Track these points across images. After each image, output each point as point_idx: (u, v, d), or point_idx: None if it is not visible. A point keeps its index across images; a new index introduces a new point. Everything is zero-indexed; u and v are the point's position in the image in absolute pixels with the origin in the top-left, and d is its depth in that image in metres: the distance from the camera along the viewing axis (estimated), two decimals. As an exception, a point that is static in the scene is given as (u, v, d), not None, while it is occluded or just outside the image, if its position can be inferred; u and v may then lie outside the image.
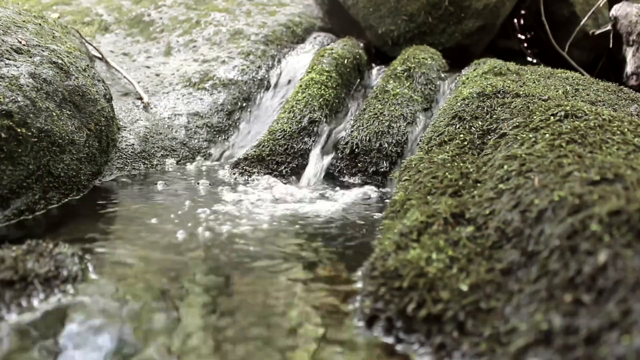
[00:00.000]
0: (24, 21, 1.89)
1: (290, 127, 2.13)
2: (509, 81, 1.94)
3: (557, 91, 1.86)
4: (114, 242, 1.34)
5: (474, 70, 2.26)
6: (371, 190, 1.87)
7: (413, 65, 2.41)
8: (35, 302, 0.98)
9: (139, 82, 2.48)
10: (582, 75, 2.24)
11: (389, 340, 0.92)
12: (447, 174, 1.34)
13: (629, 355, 0.67)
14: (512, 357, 0.78)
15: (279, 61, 2.73)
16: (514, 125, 1.43)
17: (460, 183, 1.29)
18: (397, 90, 2.24)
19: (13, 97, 1.50)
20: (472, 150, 1.49)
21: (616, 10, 2.77)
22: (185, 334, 0.93)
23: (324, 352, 0.90)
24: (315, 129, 2.16)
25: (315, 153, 2.09)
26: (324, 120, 2.21)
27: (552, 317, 0.78)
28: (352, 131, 2.09)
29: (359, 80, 2.61)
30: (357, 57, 2.62)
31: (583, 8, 3.24)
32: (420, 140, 1.82)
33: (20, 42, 1.73)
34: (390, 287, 0.98)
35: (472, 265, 0.98)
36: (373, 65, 2.81)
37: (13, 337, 0.89)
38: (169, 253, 1.27)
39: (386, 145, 2.02)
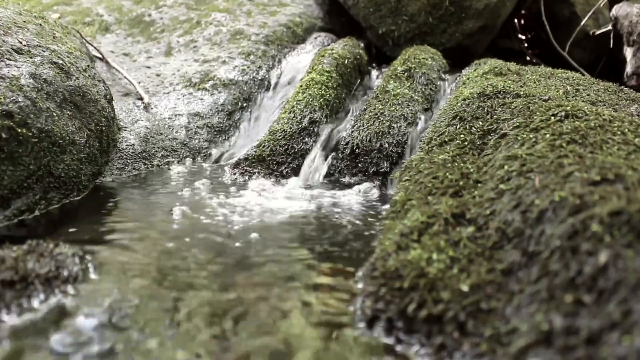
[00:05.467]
0: (24, 21, 1.89)
1: (290, 128, 2.13)
2: (509, 81, 1.94)
3: (557, 91, 1.86)
4: (114, 242, 1.34)
5: (475, 70, 2.26)
6: (371, 191, 1.87)
7: (414, 65, 2.41)
8: (36, 303, 0.98)
9: (139, 83, 2.48)
10: (583, 75, 2.24)
11: (390, 340, 0.92)
12: (447, 174, 1.34)
13: (629, 355, 0.67)
14: (512, 357, 0.78)
15: (280, 61, 2.74)
16: (515, 125, 1.43)
17: (461, 183, 1.28)
18: (398, 91, 2.24)
19: (14, 98, 1.50)
20: (473, 151, 1.49)
21: (616, 10, 2.77)
22: (186, 333, 0.93)
23: (325, 352, 0.90)
24: (315, 129, 2.16)
25: (315, 153, 2.09)
26: (325, 120, 2.21)
27: (553, 318, 0.78)
28: (352, 131, 2.09)
29: (359, 80, 2.61)
30: (358, 57, 2.62)
31: (583, 8, 3.24)
32: (421, 141, 1.82)
33: (21, 43, 1.73)
34: (391, 288, 0.98)
35: (472, 265, 0.98)
36: (374, 65, 2.81)
37: (13, 338, 0.89)
38: (169, 253, 1.27)
39: (387, 145, 2.02)
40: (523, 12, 3.39)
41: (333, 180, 2.01)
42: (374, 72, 2.72)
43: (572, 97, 1.84)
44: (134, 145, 2.06)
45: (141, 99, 2.35)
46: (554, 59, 3.18)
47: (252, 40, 2.79)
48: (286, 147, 2.07)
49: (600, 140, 1.20)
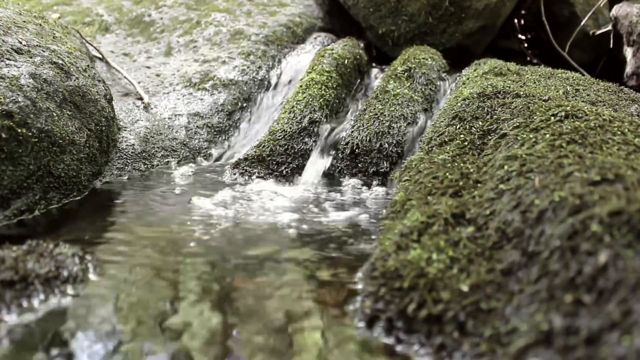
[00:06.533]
0: (24, 21, 1.89)
1: (290, 128, 2.13)
2: (509, 81, 1.94)
3: (557, 91, 1.86)
4: (114, 243, 1.34)
5: (475, 70, 2.26)
6: (371, 191, 1.87)
7: (413, 65, 2.41)
8: (36, 303, 0.98)
9: (139, 83, 2.48)
10: (583, 75, 2.24)
11: (390, 340, 0.92)
12: (447, 174, 1.34)
13: (629, 355, 0.67)
14: (512, 357, 0.78)
15: (280, 61, 2.73)
16: (515, 125, 1.43)
17: (461, 183, 1.28)
18: (398, 91, 2.24)
19: (13, 98, 1.50)
20: (473, 151, 1.49)
21: (616, 10, 2.76)
22: (186, 333, 0.93)
23: (325, 352, 0.90)
24: (315, 129, 2.16)
25: (315, 153, 2.09)
26: (325, 120, 2.21)
27: (553, 318, 0.78)
28: (352, 131, 2.09)
29: (359, 80, 2.61)
30: (358, 57, 2.62)
31: (583, 8, 3.24)
32: (421, 141, 1.82)
33: (21, 43, 1.73)
34: (391, 288, 0.98)
35: (472, 265, 0.98)
36: (373, 65, 2.81)
37: (13, 338, 0.89)
38: (169, 253, 1.27)
39: (386, 145, 2.02)
40: (523, 12, 3.38)
41: (333, 180, 2.01)
42: (374, 72, 2.72)
43: (572, 97, 1.84)
44: (133, 145, 2.06)
45: (141, 99, 2.35)
46: (554, 59, 3.17)
47: (252, 41, 2.79)
48: (286, 147, 2.07)
49: (600, 140, 1.20)
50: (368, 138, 2.04)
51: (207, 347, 0.90)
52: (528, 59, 3.35)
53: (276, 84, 2.60)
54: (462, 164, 1.40)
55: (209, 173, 2.06)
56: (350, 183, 1.97)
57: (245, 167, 2.00)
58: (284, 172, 2.02)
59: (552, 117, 1.37)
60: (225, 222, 1.49)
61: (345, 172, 2.03)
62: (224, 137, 2.36)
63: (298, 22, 3.03)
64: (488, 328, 0.85)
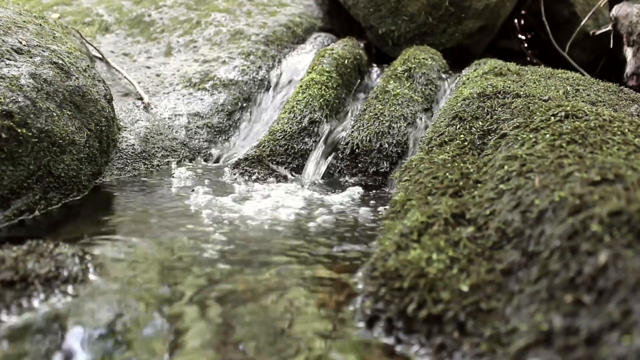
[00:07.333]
0: (24, 21, 1.89)
1: (290, 128, 2.13)
2: (509, 81, 1.94)
3: (557, 91, 1.86)
4: (114, 243, 1.34)
5: (475, 70, 2.26)
6: (371, 191, 1.87)
7: (413, 65, 2.41)
8: (36, 303, 0.98)
9: (139, 83, 2.48)
10: (583, 75, 2.24)
11: (390, 340, 0.92)
12: (447, 174, 1.34)
13: (629, 355, 0.67)
14: (512, 357, 0.78)
15: (280, 61, 2.73)
16: (515, 125, 1.43)
17: (461, 183, 1.28)
18: (398, 91, 2.24)
19: (13, 98, 1.50)
20: (473, 151, 1.49)
21: (616, 10, 2.76)
22: (186, 334, 0.93)
23: (324, 352, 0.90)
24: (315, 129, 2.16)
25: (315, 153, 2.09)
26: (325, 120, 2.21)
27: (553, 318, 0.78)
28: (352, 131, 2.09)
29: (359, 80, 2.61)
30: (358, 57, 2.62)
31: (583, 8, 3.24)
32: (421, 141, 1.82)
33: (21, 43, 1.73)
34: (391, 288, 0.98)
35: (472, 265, 0.98)
36: (373, 65, 2.81)
37: (13, 338, 0.89)
38: (169, 253, 1.27)
39: (386, 145, 2.02)
40: (523, 12, 3.39)
41: (333, 180, 2.01)
42: (374, 72, 2.72)
43: (572, 97, 1.84)
44: (133, 145, 2.06)
45: (141, 99, 2.35)
46: (554, 59, 3.18)
47: (252, 41, 2.79)
48: (286, 147, 2.07)
49: (600, 140, 1.20)
50: (368, 138, 2.04)
51: (207, 346, 0.90)
52: (528, 59, 3.35)
53: (276, 84, 2.61)
54: (462, 164, 1.40)
55: (208, 173, 2.06)
56: (350, 183, 1.97)
57: (245, 167, 2.00)
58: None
59: (552, 117, 1.37)
60: (224, 222, 1.49)
61: (345, 172, 2.03)
62: (224, 137, 2.36)
63: (298, 22, 3.03)
64: (488, 328, 0.85)
